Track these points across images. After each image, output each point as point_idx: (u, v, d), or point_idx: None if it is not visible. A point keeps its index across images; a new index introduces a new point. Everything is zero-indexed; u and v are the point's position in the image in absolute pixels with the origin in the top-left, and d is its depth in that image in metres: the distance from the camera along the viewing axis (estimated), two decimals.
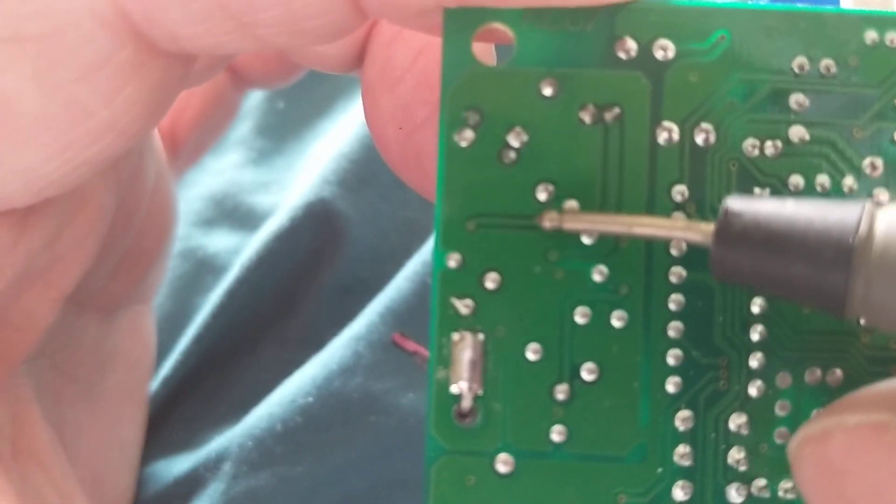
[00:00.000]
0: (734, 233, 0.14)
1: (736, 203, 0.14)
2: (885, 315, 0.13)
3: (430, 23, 0.15)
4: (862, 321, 0.15)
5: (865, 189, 0.15)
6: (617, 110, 0.15)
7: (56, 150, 0.15)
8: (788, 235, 0.13)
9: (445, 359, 0.16)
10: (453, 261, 0.16)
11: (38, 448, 0.18)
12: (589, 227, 0.15)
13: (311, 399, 0.24)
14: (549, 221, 0.15)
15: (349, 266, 0.26)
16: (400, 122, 0.18)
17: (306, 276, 0.26)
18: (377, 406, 0.24)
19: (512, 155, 0.16)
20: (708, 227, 0.14)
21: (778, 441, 0.16)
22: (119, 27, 0.14)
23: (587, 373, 0.16)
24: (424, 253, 0.26)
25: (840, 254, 0.13)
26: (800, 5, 0.15)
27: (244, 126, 0.29)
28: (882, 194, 0.15)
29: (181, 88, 0.16)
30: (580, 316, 0.16)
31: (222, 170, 0.29)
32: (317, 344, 0.25)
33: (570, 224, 0.15)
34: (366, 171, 0.27)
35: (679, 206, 0.15)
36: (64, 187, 0.15)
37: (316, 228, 0.26)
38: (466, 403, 0.16)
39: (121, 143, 0.15)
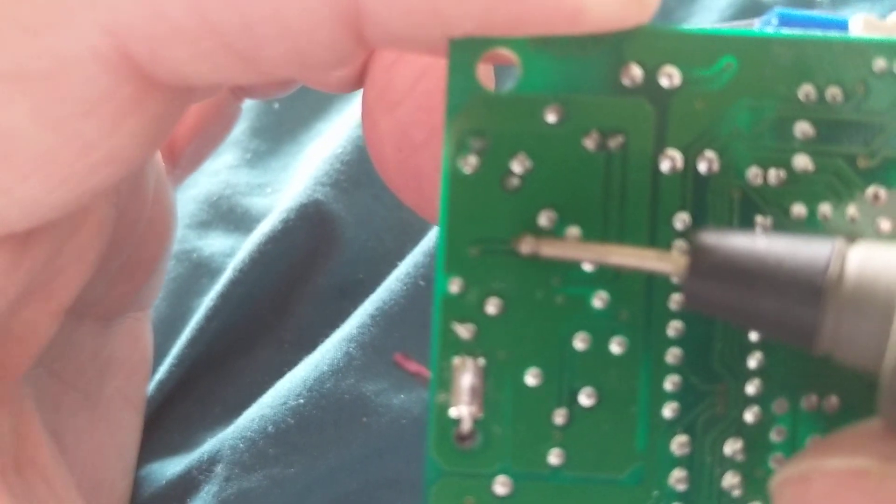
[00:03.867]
0: (705, 267, 0.13)
1: (709, 238, 0.14)
2: (854, 351, 0.13)
3: (434, 49, 0.14)
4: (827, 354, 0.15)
5: (868, 219, 0.15)
6: (621, 138, 0.15)
7: (58, 182, 0.14)
8: (759, 272, 0.13)
9: (446, 382, 0.15)
10: (455, 285, 0.15)
11: (41, 460, 0.18)
12: (564, 254, 0.15)
13: (302, 400, 0.23)
14: (526, 246, 0.15)
15: (343, 268, 0.26)
16: (399, 144, 0.18)
17: (300, 277, 0.26)
18: (369, 407, 0.24)
19: (515, 181, 0.15)
20: (679, 259, 0.14)
21: (773, 466, 0.15)
22: (121, 67, 0.14)
23: (586, 397, 0.15)
24: (417, 254, 0.25)
25: (809, 293, 0.13)
26: (807, 33, 0.15)
27: (239, 127, 0.29)
28: (885, 224, 0.15)
29: (182, 114, 0.15)
30: (580, 341, 0.15)
31: (217, 171, 0.28)
32: (311, 345, 0.25)
33: (547, 251, 0.15)
34: (359, 172, 0.26)
35: (681, 235, 0.15)
36: (65, 212, 0.15)
37: (309, 230, 0.25)
38: (466, 427, 0.15)
39: (122, 172, 0.15)
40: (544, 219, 0.15)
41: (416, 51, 0.15)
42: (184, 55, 0.14)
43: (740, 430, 0.15)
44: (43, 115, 0.14)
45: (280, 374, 0.24)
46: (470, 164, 0.15)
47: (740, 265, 0.13)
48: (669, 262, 0.14)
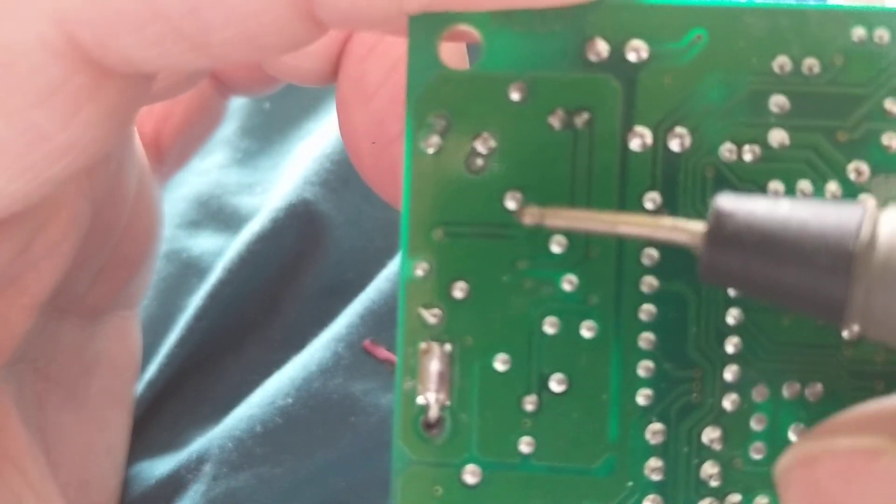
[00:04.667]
0: (725, 235, 0.12)
1: (727, 202, 0.12)
2: (886, 326, 0.12)
3: (394, 27, 0.14)
4: (856, 330, 0.13)
5: (850, 195, 0.14)
6: (587, 115, 0.14)
7: (16, 173, 0.14)
8: (782, 238, 0.12)
9: (412, 369, 0.15)
10: (420, 269, 0.15)
11: (17, 453, 0.18)
12: (571, 224, 0.14)
13: (290, 400, 0.23)
14: (529, 217, 0.14)
15: (332, 267, 0.25)
16: (374, 136, 0.17)
17: (289, 277, 0.25)
18: (357, 406, 0.23)
19: (479, 162, 0.14)
20: (696, 228, 0.13)
21: (753, 456, 0.15)
22: (70, 55, 0.14)
23: (556, 384, 0.15)
24: None
25: (838, 260, 0.12)
26: (781, 1, 0.14)
27: (229, 126, 0.28)
28: (868, 201, 0.14)
29: (142, 104, 0.15)
30: (549, 326, 0.15)
31: (207, 170, 0.28)
32: (300, 345, 0.24)
33: (552, 221, 0.14)
34: (348, 171, 0.26)
35: (651, 215, 0.14)
36: (28, 203, 0.15)
37: (298, 230, 0.25)
38: (433, 414, 0.15)
39: (82, 161, 0.15)
40: (510, 200, 0.14)
41: (375, 29, 0.15)
42: (131, 41, 0.13)
43: (718, 418, 0.15)
44: None
45: (269, 374, 0.24)
46: (432, 144, 0.14)
47: (761, 230, 0.12)
48: (685, 231, 0.13)
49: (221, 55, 0.14)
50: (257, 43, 0.14)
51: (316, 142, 0.27)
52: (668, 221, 0.13)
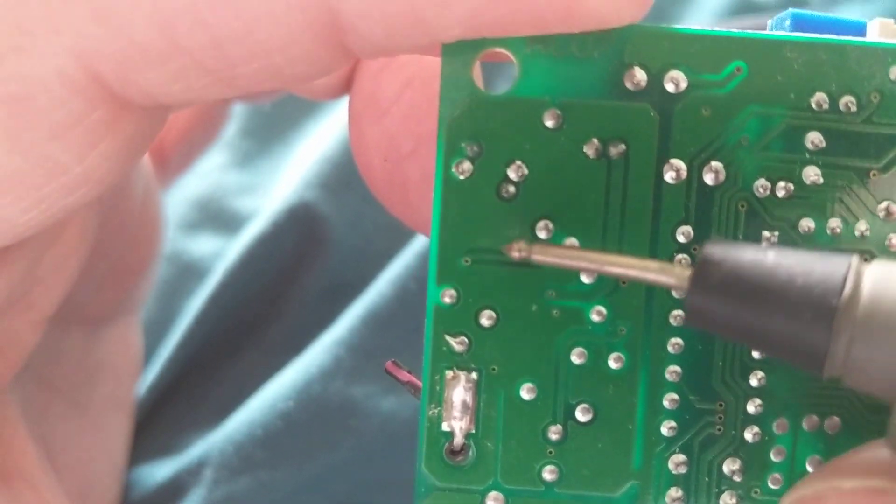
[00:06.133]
0: (712, 282, 0.12)
1: (715, 251, 0.12)
2: (866, 378, 0.12)
3: (425, 50, 0.14)
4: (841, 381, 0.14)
5: (879, 235, 0.14)
6: (622, 146, 0.14)
7: (31, 204, 0.14)
8: (768, 289, 0.12)
9: (438, 396, 0.14)
10: (448, 297, 0.14)
11: (27, 468, 0.17)
12: (559, 261, 0.14)
13: (291, 404, 0.23)
14: (517, 252, 0.14)
15: (332, 269, 0.25)
16: (386, 153, 0.17)
17: (289, 280, 0.25)
18: (357, 410, 0.23)
19: (511, 189, 0.14)
20: (683, 273, 0.13)
21: (771, 486, 0.15)
22: (90, 89, 0.13)
23: (582, 413, 0.14)
24: (406, 256, 0.24)
25: (821, 315, 0.12)
26: (822, 36, 0.14)
27: (229, 128, 0.28)
28: (854, 255, 0.14)
29: (158, 133, 0.15)
30: (577, 356, 0.14)
31: (207, 172, 0.27)
32: (300, 348, 0.24)
33: (539, 256, 0.14)
34: (349, 174, 0.25)
35: (683, 248, 0.14)
36: (42, 229, 0.14)
37: (298, 232, 0.25)
38: (458, 441, 0.15)
39: (97, 192, 0.14)
40: (541, 229, 0.14)
41: (408, 53, 0.14)
42: (154, 77, 0.13)
43: (739, 449, 0.15)
44: (13, 139, 0.13)
45: (269, 376, 0.23)
46: (464, 170, 0.14)
47: (747, 280, 0.12)
48: (672, 275, 0.13)
49: (245, 87, 0.13)
50: (282, 74, 0.13)
51: (316, 144, 0.26)
52: (655, 265, 0.13)
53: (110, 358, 0.21)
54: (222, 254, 0.25)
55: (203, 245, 0.26)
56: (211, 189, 0.27)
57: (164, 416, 0.23)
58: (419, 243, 0.24)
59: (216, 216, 0.26)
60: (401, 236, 0.25)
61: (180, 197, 0.27)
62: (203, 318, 0.24)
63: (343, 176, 0.25)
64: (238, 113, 0.28)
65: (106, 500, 0.21)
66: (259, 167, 0.28)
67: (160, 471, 0.22)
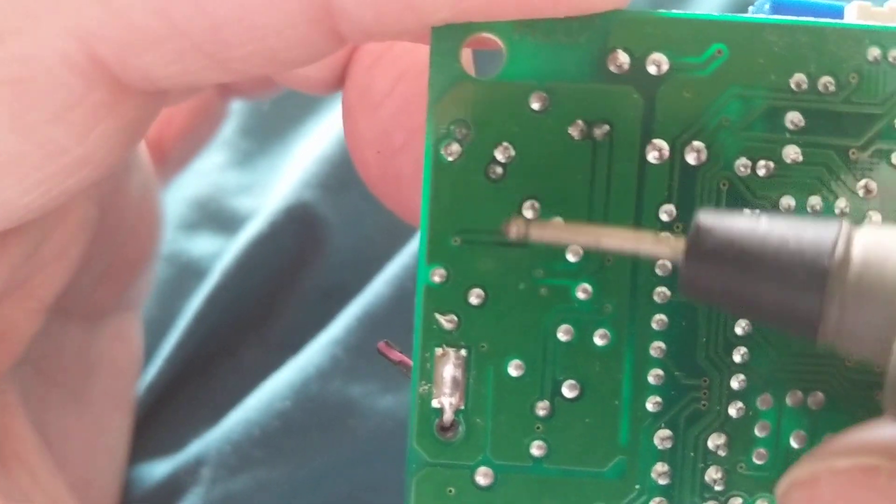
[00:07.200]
0: (705, 250, 0.13)
1: (707, 219, 0.13)
2: (858, 342, 0.12)
3: (415, 37, 0.14)
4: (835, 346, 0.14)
5: (858, 212, 0.15)
6: (607, 128, 0.14)
7: (32, 185, 0.14)
8: (761, 254, 0.12)
9: (428, 373, 0.15)
10: (438, 276, 0.15)
11: (25, 453, 0.18)
12: (555, 237, 0.14)
13: (288, 403, 0.23)
14: (515, 229, 0.14)
15: (330, 270, 0.25)
16: (379, 146, 0.17)
17: (287, 280, 0.25)
18: (355, 410, 0.23)
19: (499, 170, 0.15)
20: (678, 243, 0.13)
21: (756, 461, 0.15)
22: (91, 71, 0.13)
23: (569, 389, 0.15)
24: (405, 256, 0.25)
25: (814, 276, 0.12)
26: (801, 18, 0.14)
27: (228, 127, 0.28)
28: (875, 217, 0.14)
29: (156, 117, 0.15)
30: (563, 333, 0.15)
31: (206, 171, 0.27)
32: (298, 348, 0.24)
33: (537, 233, 0.14)
34: (347, 173, 0.25)
35: (667, 226, 0.15)
36: (42, 213, 0.15)
37: (297, 232, 0.25)
38: (448, 417, 0.15)
39: (97, 174, 0.15)
40: (528, 209, 0.15)
41: (399, 39, 0.15)
42: (152, 59, 0.13)
43: (724, 424, 0.15)
44: (14, 120, 0.13)
45: (267, 376, 0.24)
46: (452, 152, 0.14)
47: (740, 245, 0.12)
48: (666, 245, 0.13)
49: (240, 70, 0.14)
50: (277, 58, 0.14)
51: (315, 143, 0.27)
52: (649, 235, 0.14)
53: (110, 353, 0.21)
54: (221, 254, 0.25)
55: (202, 245, 0.26)
56: (209, 188, 0.27)
57: (163, 416, 0.24)
58: (417, 244, 0.25)
59: (215, 216, 0.27)
60: (399, 237, 0.25)
61: (179, 197, 0.27)
62: (202, 317, 0.24)
63: (341, 176, 0.25)
64: (237, 112, 0.28)
65: (105, 495, 0.21)
66: (257, 167, 0.28)
67: (158, 470, 0.23)
